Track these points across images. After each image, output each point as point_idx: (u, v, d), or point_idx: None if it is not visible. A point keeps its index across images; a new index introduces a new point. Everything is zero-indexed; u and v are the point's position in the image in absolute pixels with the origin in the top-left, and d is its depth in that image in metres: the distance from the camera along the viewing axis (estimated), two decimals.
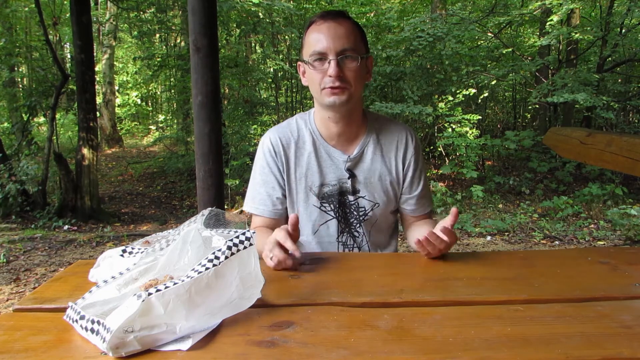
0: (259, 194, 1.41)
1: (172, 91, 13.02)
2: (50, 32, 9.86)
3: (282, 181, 1.40)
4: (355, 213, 1.41)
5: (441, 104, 8.62)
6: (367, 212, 1.40)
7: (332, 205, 1.40)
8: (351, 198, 1.39)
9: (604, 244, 4.94)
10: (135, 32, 11.34)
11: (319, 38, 1.25)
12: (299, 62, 1.36)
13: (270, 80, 10.62)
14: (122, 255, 1.01)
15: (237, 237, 0.84)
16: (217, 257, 0.80)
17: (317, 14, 1.30)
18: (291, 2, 9.99)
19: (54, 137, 7.96)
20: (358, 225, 1.42)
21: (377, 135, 1.40)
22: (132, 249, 1.03)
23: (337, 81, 1.24)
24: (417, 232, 1.37)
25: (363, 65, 1.28)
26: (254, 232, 0.86)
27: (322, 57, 1.25)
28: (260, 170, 1.41)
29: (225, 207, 6.50)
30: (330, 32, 1.24)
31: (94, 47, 7.84)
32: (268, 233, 1.24)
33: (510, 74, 8.93)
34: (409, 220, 1.49)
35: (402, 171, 1.41)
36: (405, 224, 1.51)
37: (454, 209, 1.10)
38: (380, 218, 1.42)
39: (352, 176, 1.38)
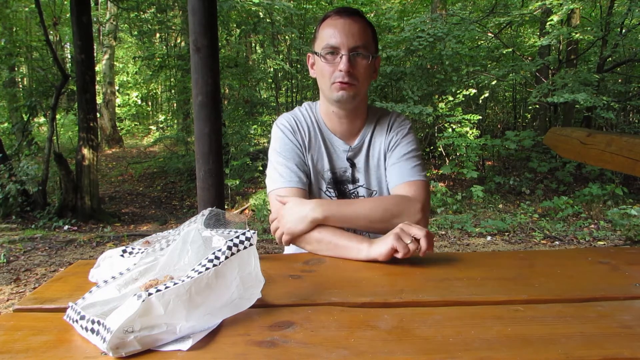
0: (287, 169, 1.34)
1: (172, 91, 13.04)
2: (51, 32, 9.86)
3: (304, 158, 1.38)
4: None
5: (441, 104, 8.62)
6: None
7: (335, 193, 1.42)
8: (350, 187, 1.42)
9: (604, 244, 4.94)
10: (136, 32, 11.34)
11: (333, 33, 1.28)
12: (309, 54, 1.38)
13: (270, 80, 10.63)
14: (122, 256, 1.01)
15: (237, 237, 0.84)
16: (217, 257, 0.80)
17: (332, 10, 1.33)
18: (291, 2, 9.99)
19: (54, 137, 7.97)
20: None
21: (375, 125, 1.43)
22: (132, 249, 1.02)
23: (346, 76, 1.27)
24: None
25: (372, 64, 1.32)
26: (254, 232, 0.85)
27: (334, 51, 1.28)
28: (282, 147, 1.36)
29: (225, 207, 6.50)
30: (345, 28, 1.27)
31: (94, 47, 7.85)
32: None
33: (511, 74, 8.93)
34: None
35: (385, 149, 1.41)
36: None
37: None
38: None
39: (353, 165, 1.41)
